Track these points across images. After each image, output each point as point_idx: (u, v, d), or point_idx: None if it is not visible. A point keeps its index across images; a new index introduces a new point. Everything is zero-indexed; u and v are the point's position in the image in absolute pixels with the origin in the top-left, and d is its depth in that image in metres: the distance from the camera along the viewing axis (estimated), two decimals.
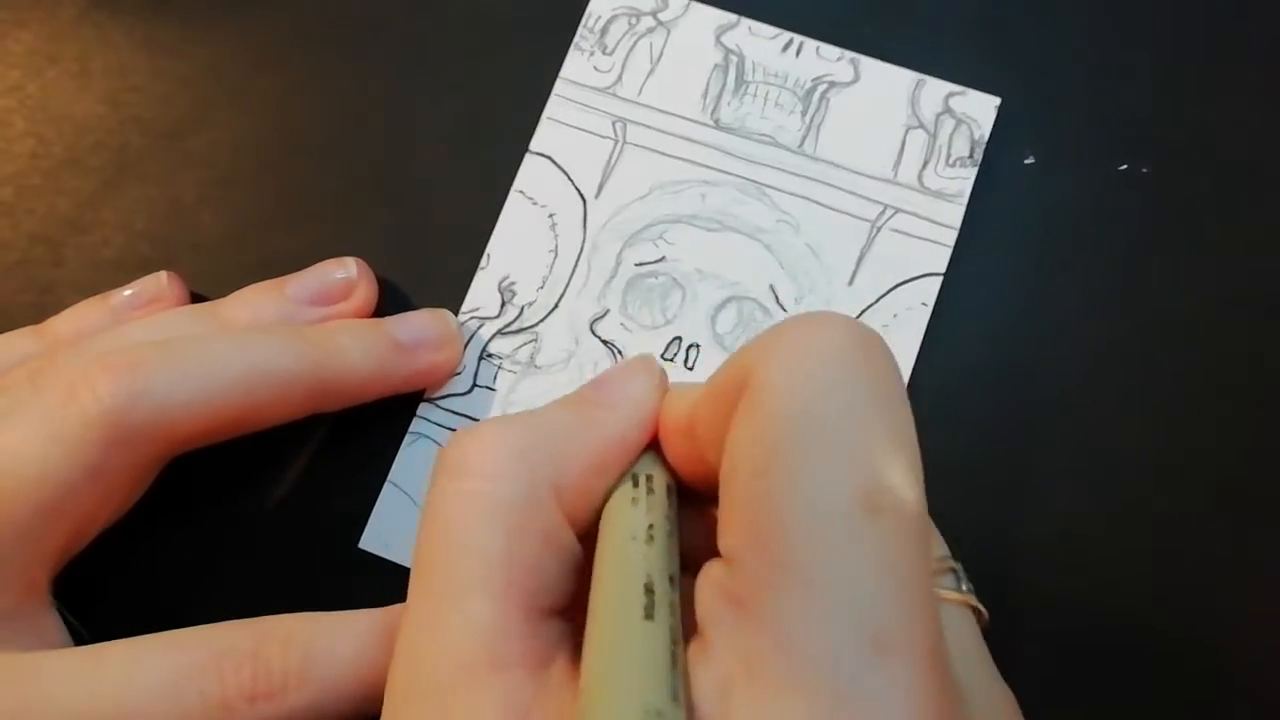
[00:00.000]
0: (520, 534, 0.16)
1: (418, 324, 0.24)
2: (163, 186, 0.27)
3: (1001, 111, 0.26)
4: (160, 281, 0.25)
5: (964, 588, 0.17)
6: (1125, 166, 0.26)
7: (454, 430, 0.25)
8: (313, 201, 0.27)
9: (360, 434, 0.25)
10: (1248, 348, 0.25)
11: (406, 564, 0.24)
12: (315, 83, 0.27)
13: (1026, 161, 0.26)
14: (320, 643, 0.20)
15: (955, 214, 0.26)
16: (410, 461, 0.25)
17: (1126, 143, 0.26)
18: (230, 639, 0.20)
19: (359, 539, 0.25)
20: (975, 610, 0.17)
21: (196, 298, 0.26)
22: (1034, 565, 0.24)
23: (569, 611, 0.17)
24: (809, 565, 0.13)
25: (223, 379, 0.21)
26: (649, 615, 0.15)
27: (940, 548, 0.18)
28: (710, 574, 0.15)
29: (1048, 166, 0.26)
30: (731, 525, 0.15)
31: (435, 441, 0.25)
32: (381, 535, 0.25)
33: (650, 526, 0.16)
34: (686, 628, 0.15)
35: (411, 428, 0.25)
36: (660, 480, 0.18)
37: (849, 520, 0.13)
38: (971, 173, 0.26)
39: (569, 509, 0.17)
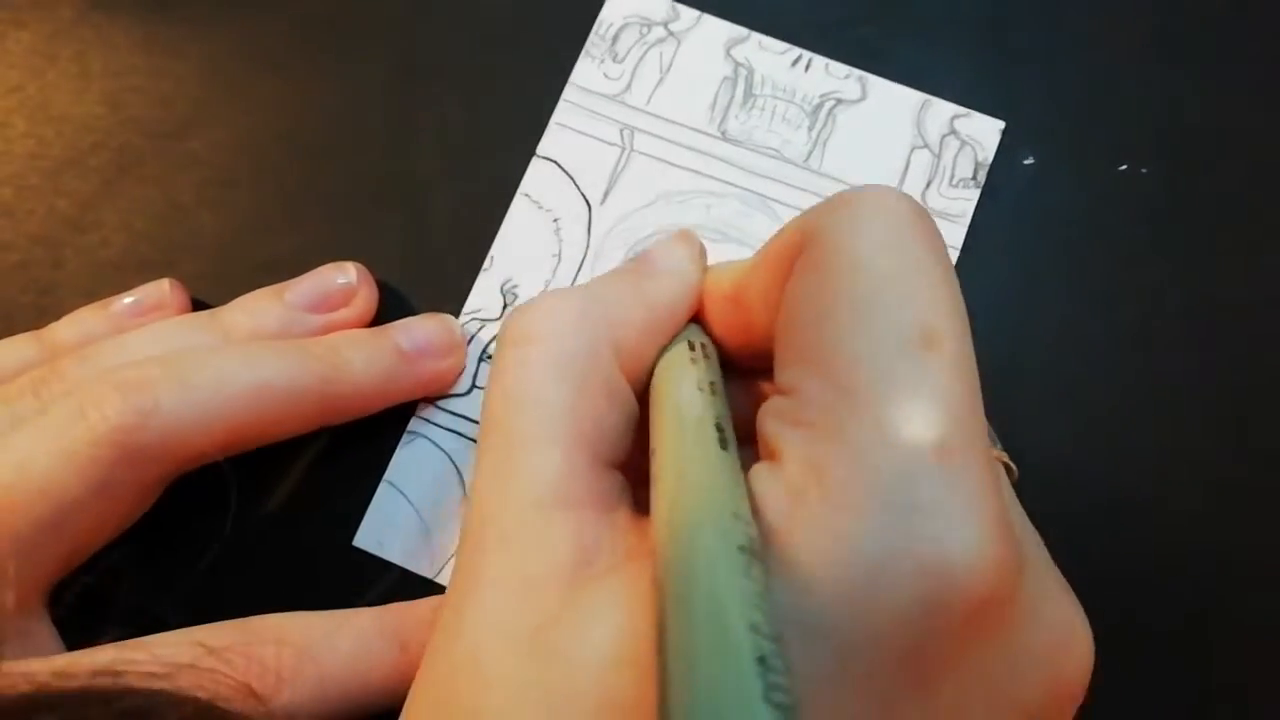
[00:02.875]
0: (584, 387, 0.18)
1: (422, 332, 0.24)
2: (163, 187, 0.27)
3: (1002, 112, 0.27)
4: (162, 289, 0.25)
5: (998, 446, 0.19)
6: (1125, 166, 0.26)
7: (452, 431, 0.25)
8: (314, 202, 0.27)
9: (359, 433, 0.25)
10: (1248, 348, 0.25)
11: (400, 562, 0.24)
12: (316, 83, 0.27)
13: (1026, 162, 0.26)
14: (316, 641, 0.20)
15: (957, 234, 0.26)
16: (407, 461, 0.25)
17: (1126, 143, 0.26)
18: (223, 639, 0.20)
19: (353, 537, 0.24)
20: (1006, 467, 0.19)
21: (197, 304, 0.26)
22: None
23: (626, 466, 0.18)
24: (874, 386, 0.14)
25: (231, 397, 0.21)
26: (723, 447, 0.16)
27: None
28: (773, 406, 0.16)
29: (1047, 166, 0.26)
30: (793, 363, 0.16)
31: (433, 442, 0.25)
32: (376, 534, 0.24)
33: (711, 382, 0.18)
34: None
35: (410, 427, 0.25)
36: (711, 347, 0.19)
37: (910, 350, 0.14)
38: (974, 194, 0.26)
39: (628, 368, 0.19)
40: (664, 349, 0.19)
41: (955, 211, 0.26)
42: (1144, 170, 0.26)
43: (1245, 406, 0.25)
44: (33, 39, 0.28)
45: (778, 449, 0.16)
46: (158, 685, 0.16)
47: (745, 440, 0.17)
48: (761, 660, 0.12)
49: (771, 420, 0.16)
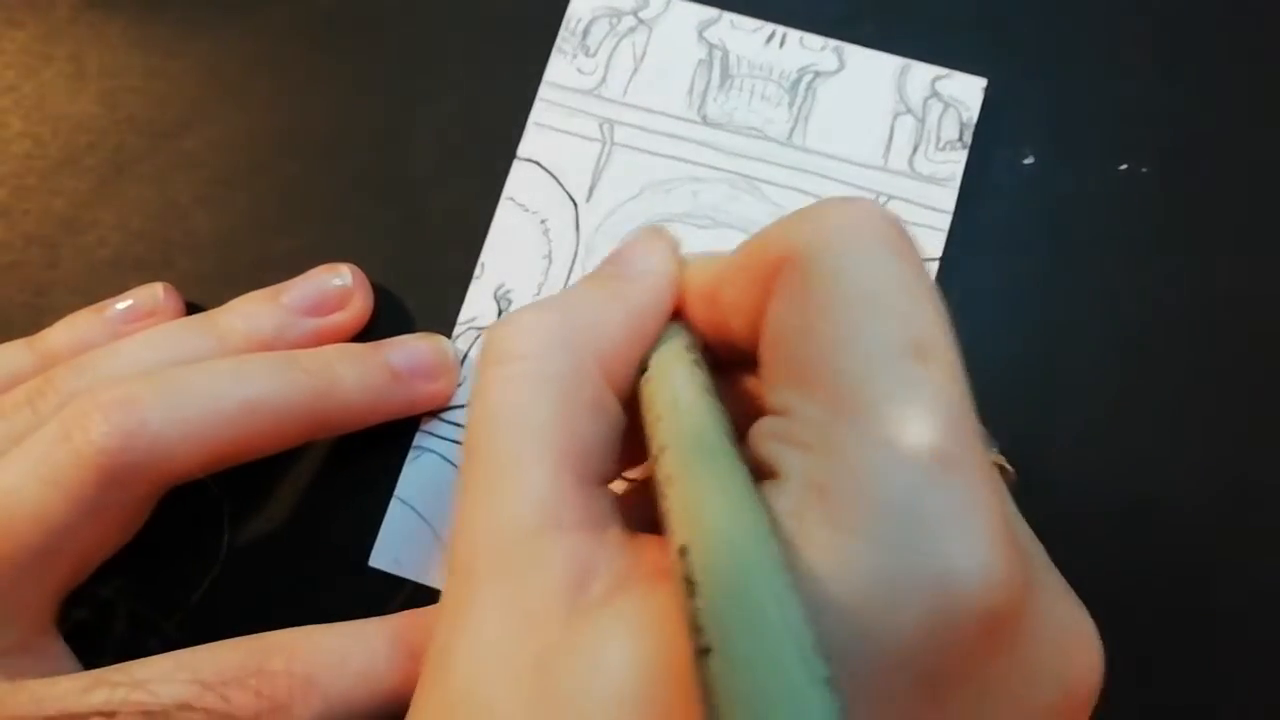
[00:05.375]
0: (569, 404, 0.17)
1: (414, 352, 0.24)
2: (158, 187, 0.27)
3: (1000, 112, 0.26)
4: (156, 294, 0.25)
5: (993, 448, 0.19)
6: (1125, 166, 0.26)
7: (458, 443, 0.25)
8: (308, 202, 0.27)
9: (364, 450, 0.25)
10: (1248, 348, 0.25)
11: (418, 580, 0.24)
12: (310, 83, 0.27)
13: (1026, 161, 0.26)
14: (326, 654, 0.20)
15: (948, 198, 0.26)
16: (416, 476, 0.25)
17: (1126, 143, 0.26)
18: (234, 655, 0.20)
19: (368, 557, 0.25)
20: (1003, 470, 0.18)
21: (193, 305, 0.26)
22: None
23: (612, 481, 0.18)
24: (870, 402, 0.14)
25: (219, 413, 0.21)
26: (740, 459, 0.15)
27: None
28: (767, 427, 0.16)
29: (1047, 166, 0.26)
30: (784, 383, 0.16)
31: (440, 455, 0.25)
32: (391, 551, 0.24)
33: (710, 387, 0.17)
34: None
35: (415, 442, 0.25)
36: (696, 349, 0.19)
37: (903, 364, 0.14)
38: (962, 156, 0.26)
39: (613, 377, 0.18)
40: (649, 351, 0.19)
41: (944, 175, 0.26)
42: (1144, 170, 0.26)
43: (1246, 407, 0.25)
44: (28, 38, 0.28)
45: (777, 469, 0.15)
46: None
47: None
48: (826, 682, 0.12)
49: (768, 441, 0.16)
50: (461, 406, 0.25)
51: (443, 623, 0.16)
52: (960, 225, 0.26)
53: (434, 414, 0.25)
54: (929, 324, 0.15)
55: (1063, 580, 0.17)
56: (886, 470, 0.14)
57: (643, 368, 0.19)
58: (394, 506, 0.25)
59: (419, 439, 0.25)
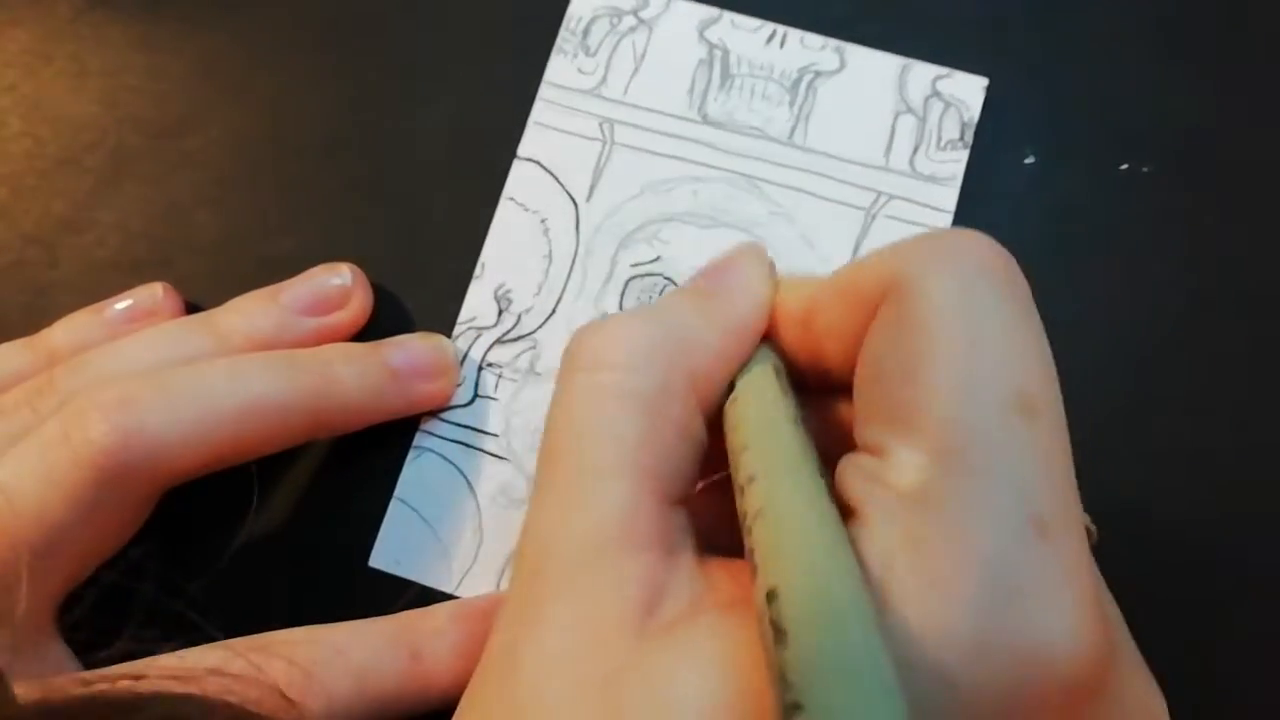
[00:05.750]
0: (656, 420, 0.17)
1: (414, 352, 0.24)
2: (158, 187, 0.27)
3: (1001, 112, 0.26)
4: (155, 294, 0.25)
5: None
6: (1126, 166, 0.26)
7: (458, 443, 0.25)
8: (308, 202, 0.27)
9: (364, 451, 0.25)
10: (1248, 347, 0.25)
11: (418, 580, 0.24)
12: (310, 83, 0.27)
13: (1026, 161, 0.26)
14: (327, 654, 0.20)
15: (949, 197, 0.26)
16: (416, 477, 0.25)
17: (1127, 143, 0.26)
18: (235, 655, 0.20)
19: (368, 557, 0.24)
20: (1087, 531, 0.18)
21: (192, 305, 0.26)
22: None
23: (690, 502, 0.18)
24: (971, 455, 0.14)
25: (217, 413, 0.21)
26: (829, 497, 0.15)
27: None
28: (856, 463, 0.15)
29: (1048, 166, 0.26)
30: (879, 422, 0.15)
31: (440, 455, 0.25)
32: (391, 552, 0.24)
33: (802, 417, 0.17)
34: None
35: (416, 442, 0.25)
36: (783, 373, 0.18)
37: (1008, 417, 0.14)
38: (963, 155, 0.26)
39: (702, 396, 0.18)
40: (739, 372, 0.18)
41: (946, 175, 0.26)
42: (1145, 169, 0.26)
43: (1246, 407, 0.25)
44: (29, 38, 0.28)
45: (864, 512, 0.15)
46: (184, 690, 0.16)
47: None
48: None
49: (858, 479, 0.15)
50: (462, 406, 0.25)
51: (509, 619, 0.16)
52: (961, 224, 0.26)
53: (434, 414, 0.25)
54: (1039, 376, 0.14)
55: (1137, 651, 0.16)
56: (984, 530, 0.13)
57: (729, 389, 0.18)
58: (394, 507, 0.25)
59: (419, 439, 0.25)
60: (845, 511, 0.15)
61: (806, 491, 0.15)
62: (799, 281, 0.19)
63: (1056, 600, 0.13)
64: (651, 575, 0.15)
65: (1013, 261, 0.15)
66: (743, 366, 0.18)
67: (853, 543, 0.14)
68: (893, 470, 0.15)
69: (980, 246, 0.15)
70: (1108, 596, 0.17)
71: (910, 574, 0.13)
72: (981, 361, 0.14)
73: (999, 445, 0.14)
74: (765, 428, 0.16)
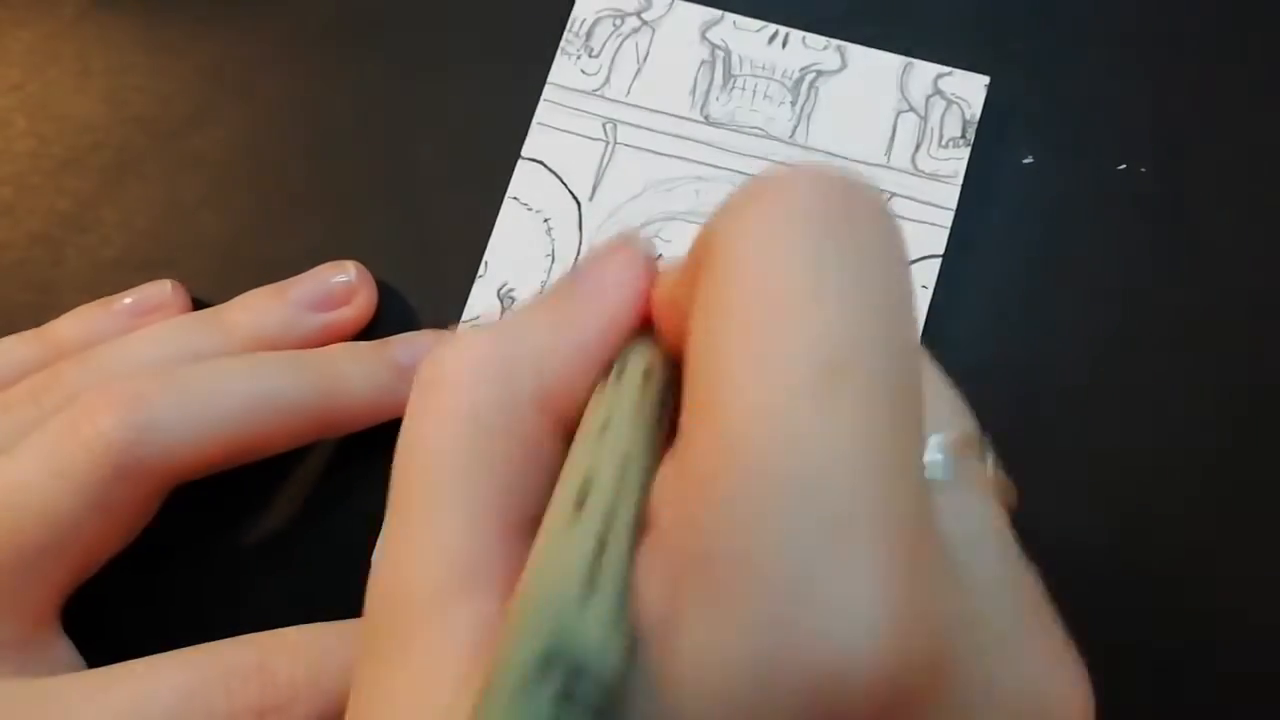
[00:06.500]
0: (495, 444, 0.15)
1: (421, 348, 0.24)
2: (163, 186, 0.27)
3: (1000, 112, 0.26)
4: (164, 290, 0.25)
5: (988, 463, 0.16)
6: (1124, 166, 0.26)
7: None
8: (313, 202, 0.27)
9: (365, 450, 0.25)
10: (1248, 347, 0.25)
11: None
12: (316, 83, 0.28)
13: (1025, 161, 0.26)
14: (328, 653, 0.20)
15: (950, 195, 0.26)
16: None
17: (1125, 142, 0.26)
18: (236, 654, 0.20)
19: (369, 557, 0.24)
20: (1004, 488, 0.16)
21: (198, 303, 0.26)
22: (1030, 564, 0.24)
23: None
24: (759, 443, 0.11)
25: (227, 410, 0.21)
26: (579, 506, 0.13)
27: (964, 425, 0.17)
28: (668, 459, 0.14)
29: (1047, 166, 0.26)
30: (687, 405, 0.13)
31: None
32: None
33: (607, 419, 0.15)
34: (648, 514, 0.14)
35: None
36: (636, 366, 0.16)
37: (807, 396, 0.11)
38: (965, 153, 0.26)
39: (554, 414, 0.16)
40: (609, 374, 0.16)
41: (947, 173, 0.26)
42: (1143, 169, 0.26)
43: (1246, 406, 0.25)
44: (34, 37, 0.28)
45: (659, 514, 0.13)
46: None
47: None
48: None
49: (663, 474, 0.14)
50: None
51: (352, 698, 0.15)
52: (961, 223, 0.26)
53: None
54: (855, 331, 0.12)
55: (1043, 633, 0.15)
56: (767, 534, 0.11)
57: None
58: None
59: None
60: (647, 524, 0.13)
61: (552, 517, 0.13)
62: (675, 264, 0.17)
63: (851, 607, 0.11)
64: (487, 618, 0.14)
65: (844, 192, 0.13)
66: (613, 368, 0.16)
67: (647, 559, 0.13)
68: (691, 459, 0.12)
69: (794, 186, 0.13)
70: (1002, 564, 0.15)
71: (693, 592, 0.12)
72: (779, 326, 0.12)
73: (792, 430, 0.11)
74: (584, 435, 0.15)
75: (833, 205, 0.13)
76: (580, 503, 0.13)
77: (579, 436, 0.15)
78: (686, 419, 0.13)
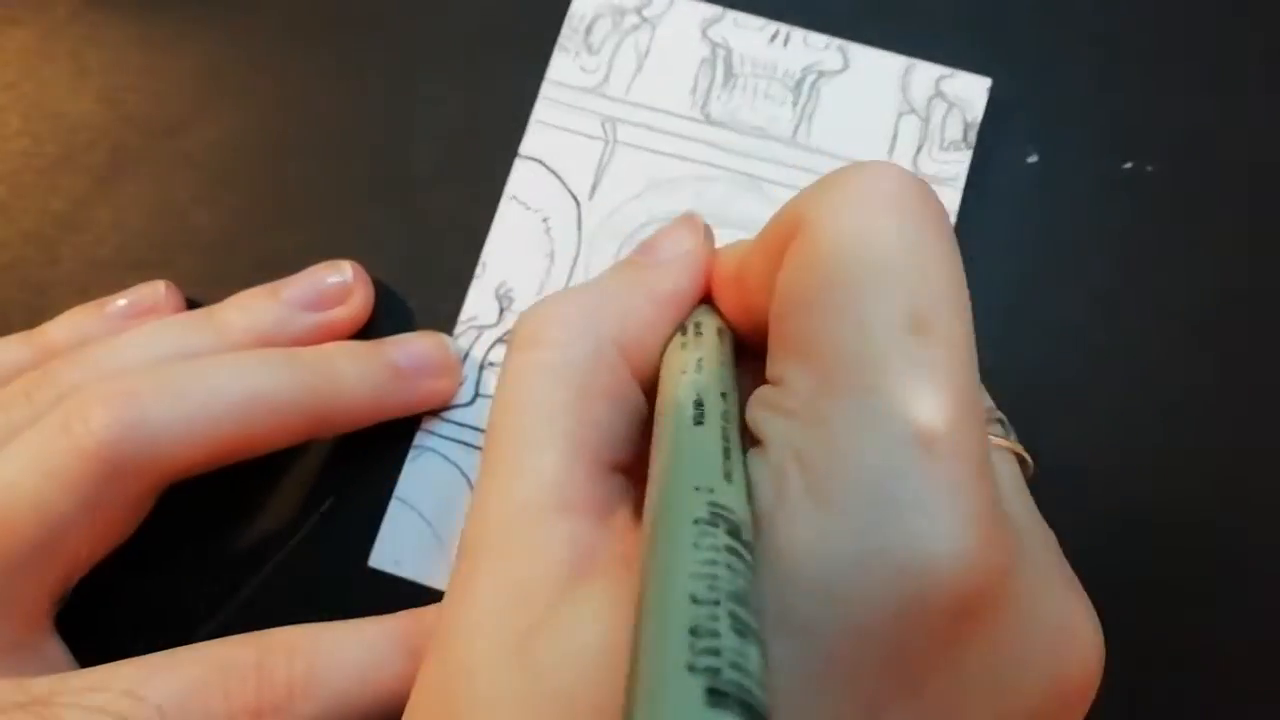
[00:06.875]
0: (586, 391, 0.17)
1: (417, 350, 0.24)
2: (158, 185, 0.27)
3: (1004, 110, 0.26)
4: (157, 290, 0.25)
5: (1010, 436, 0.19)
6: (1129, 166, 0.26)
7: (459, 442, 0.25)
8: (309, 201, 0.26)
9: (364, 450, 0.25)
10: (1248, 347, 0.25)
11: (418, 580, 0.24)
12: (311, 81, 0.27)
13: (1029, 160, 0.26)
14: (326, 652, 0.20)
15: (952, 198, 0.26)
16: (416, 476, 0.25)
17: (1130, 142, 0.26)
18: (233, 653, 0.20)
19: (368, 557, 0.24)
20: (1021, 460, 0.18)
21: (192, 303, 0.26)
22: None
23: (632, 469, 0.18)
24: (858, 374, 0.14)
25: (219, 408, 0.21)
26: (698, 422, 0.15)
27: (986, 400, 0.19)
28: (759, 394, 0.16)
29: (1050, 166, 0.26)
30: (780, 354, 0.16)
31: (441, 455, 0.25)
32: (391, 552, 0.24)
33: (699, 360, 0.17)
34: (745, 439, 0.16)
35: (416, 441, 0.25)
36: (710, 325, 0.19)
37: (897, 337, 0.14)
38: (966, 156, 0.26)
39: (633, 366, 0.18)
40: (678, 333, 0.19)
41: (948, 175, 0.26)
42: (1148, 169, 0.26)
43: (1249, 407, 0.25)
44: (28, 36, 0.28)
45: (762, 435, 0.15)
46: None
47: None
48: (694, 631, 0.11)
49: (756, 407, 0.16)
50: (463, 405, 0.25)
51: (448, 595, 0.17)
52: (963, 224, 0.25)
53: (435, 413, 0.25)
54: (934, 295, 0.14)
55: (1067, 573, 0.16)
56: (868, 446, 0.13)
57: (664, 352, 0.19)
58: (394, 506, 0.25)
59: (419, 438, 0.25)
60: (753, 441, 0.16)
61: (671, 434, 0.15)
62: (737, 244, 0.20)
63: (940, 512, 0.13)
64: (580, 536, 0.16)
65: (918, 187, 0.15)
66: (682, 328, 0.19)
67: (751, 469, 0.15)
68: (787, 396, 0.15)
69: (877, 172, 0.15)
70: (1030, 512, 0.17)
71: (798, 494, 0.14)
72: (871, 283, 0.14)
73: (884, 364, 0.14)
74: (663, 384, 0.17)
75: (908, 191, 0.15)
76: (698, 417, 0.15)
77: (669, 375, 0.18)
78: (783, 362, 0.15)
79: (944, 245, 0.15)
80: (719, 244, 0.25)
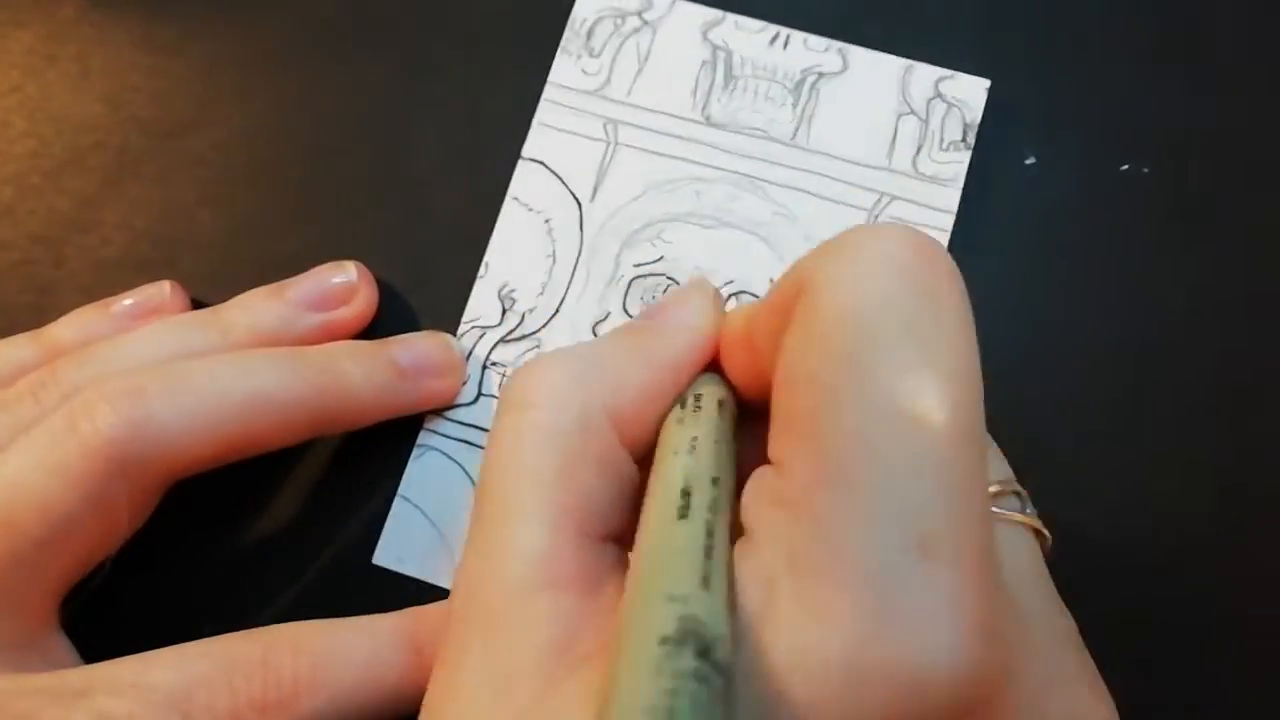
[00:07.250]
0: (574, 459, 0.17)
1: (421, 349, 0.24)
2: (163, 187, 0.27)
3: (1003, 112, 0.26)
4: (163, 291, 0.25)
5: (1027, 510, 0.18)
6: (1127, 167, 0.26)
7: (462, 441, 0.25)
8: (313, 202, 0.27)
9: (368, 449, 0.25)
10: (1248, 347, 0.25)
11: (422, 578, 0.24)
12: (315, 83, 0.27)
13: (1028, 162, 0.26)
14: (330, 648, 0.20)
15: (951, 199, 0.26)
16: (420, 474, 0.25)
17: (1128, 143, 0.26)
18: (239, 649, 0.20)
19: (372, 555, 0.25)
20: (1039, 535, 0.17)
21: (197, 304, 0.26)
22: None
23: (624, 537, 0.17)
24: (857, 468, 0.13)
25: (224, 406, 0.21)
26: (683, 515, 0.15)
27: (1003, 471, 0.18)
28: (758, 479, 0.15)
29: (1049, 167, 0.26)
30: (782, 433, 0.15)
31: (444, 454, 0.25)
32: (395, 550, 0.25)
33: (694, 439, 0.16)
34: (735, 529, 0.15)
35: (419, 440, 0.25)
36: (711, 397, 0.18)
37: (901, 427, 0.13)
38: (965, 156, 0.26)
39: (626, 436, 0.17)
40: (680, 403, 0.18)
41: (948, 176, 0.26)
42: (1146, 170, 0.26)
43: (1248, 407, 0.25)
44: (33, 38, 0.28)
45: (754, 530, 0.14)
46: None
47: None
48: None
49: (752, 495, 0.15)
50: (466, 405, 0.25)
51: (436, 673, 0.16)
52: (962, 225, 0.26)
53: (438, 412, 0.25)
54: (943, 377, 0.13)
55: (1084, 668, 0.16)
56: (862, 548, 0.13)
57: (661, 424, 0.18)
58: (398, 504, 0.25)
59: (423, 437, 0.25)
60: (739, 532, 0.15)
61: (654, 524, 0.14)
62: (748, 305, 0.19)
63: (940, 624, 0.12)
64: (567, 614, 0.15)
65: (929, 251, 0.14)
66: (681, 400, 0.18)
67: (741, 560, 0.14)
68: (786, 484, 0.14)
69: (886, 239, 0.14)
70: (1050, 603, 0.16)
71: (786, 598, 0.13)
72: (877, 365, 0.13)
73: (887, 458, 0.13)
74: (655, 471, 0.16)
75: (919, 257, 0.14)
76: (683, 510, 0.15)
77: (662, 455, 0.17)
78: (783, 442, 0.14)
79: (954, 321, 0.14)
80: (718, 244, 0.26)
